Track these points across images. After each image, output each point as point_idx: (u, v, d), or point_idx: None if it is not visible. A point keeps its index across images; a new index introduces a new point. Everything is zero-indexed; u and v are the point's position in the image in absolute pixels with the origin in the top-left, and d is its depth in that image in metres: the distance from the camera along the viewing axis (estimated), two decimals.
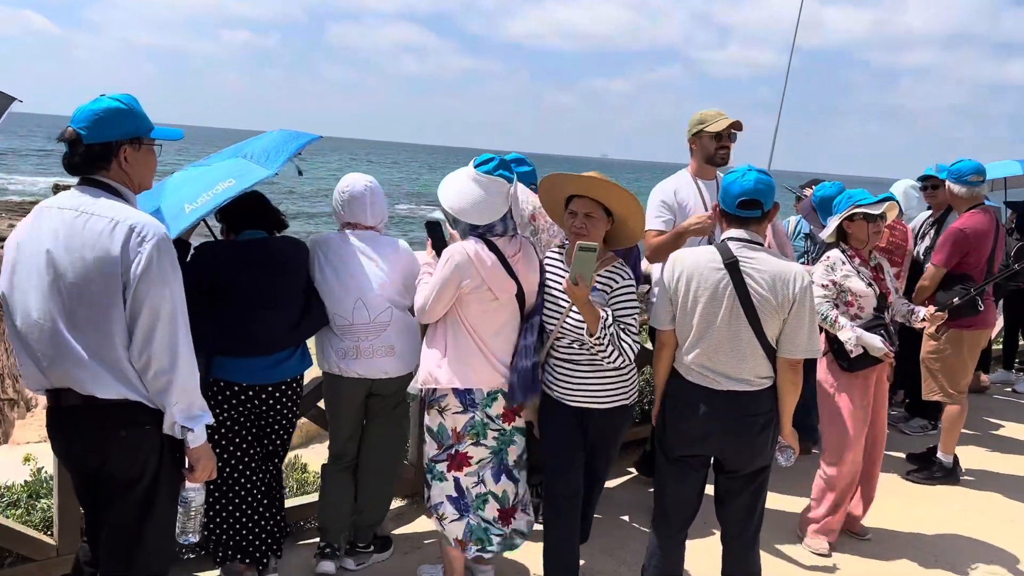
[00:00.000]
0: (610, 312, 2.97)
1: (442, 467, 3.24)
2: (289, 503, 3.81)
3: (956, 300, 4.67)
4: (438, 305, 3.09)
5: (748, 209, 2.95)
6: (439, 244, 3.22)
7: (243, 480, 3.30)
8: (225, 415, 3.23)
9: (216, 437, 3.22)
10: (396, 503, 4.18)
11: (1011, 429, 6.20)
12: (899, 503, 4.69)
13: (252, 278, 3.18)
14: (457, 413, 3.18)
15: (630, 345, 2.99)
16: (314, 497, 3.91)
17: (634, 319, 3.04)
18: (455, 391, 3.15)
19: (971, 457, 5.42)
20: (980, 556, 4.13)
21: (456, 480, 3.23)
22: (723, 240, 2.99)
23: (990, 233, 4.89)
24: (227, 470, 3.26)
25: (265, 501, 3.37)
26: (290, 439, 3.48)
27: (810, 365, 3.28)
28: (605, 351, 2.97)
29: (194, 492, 2.43)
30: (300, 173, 3.36)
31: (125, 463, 2.33)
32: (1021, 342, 7.61)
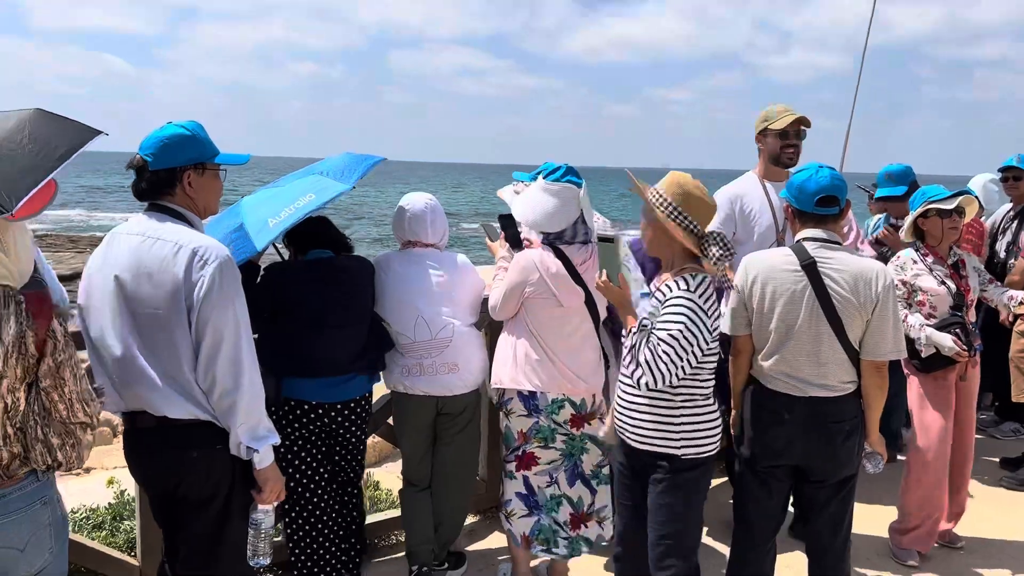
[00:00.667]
0: (650, 322, 2.67)
1: (511, 466, 3.32)
2: None
3: None
4: (506, 307, 3.25)
5: (827, 206, 2.85)
6: (513, 237, 3.33)
7: (316, 500, 3.32)
8: (296, 435, 3.26)
9: (289, 457, 3.26)
10: (469, 519, 4.17)
11: None
12: (993, 511, 4.47)
13: (318, 296, 3.20)
14: (522, 416, 3.24)
15: (659, 367, 2.53)
16: (388, 515, 3.93)
17: (678, 341, 2.55)
18: (519, 395, 3.21)
19: None
20: None
21: (525, 478, 3.28)
22: (798, 241, 2.89)
23: None
24: (299, 490, 3.29)
25: (340, 521, 3.38)
26: (362, 458, 3.49)
27: (893, 368, 3.14)
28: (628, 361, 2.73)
29: (263, 514, 2.44)
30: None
31: (198, 484, 2.36)
32: None
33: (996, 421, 5.78)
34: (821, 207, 2.85)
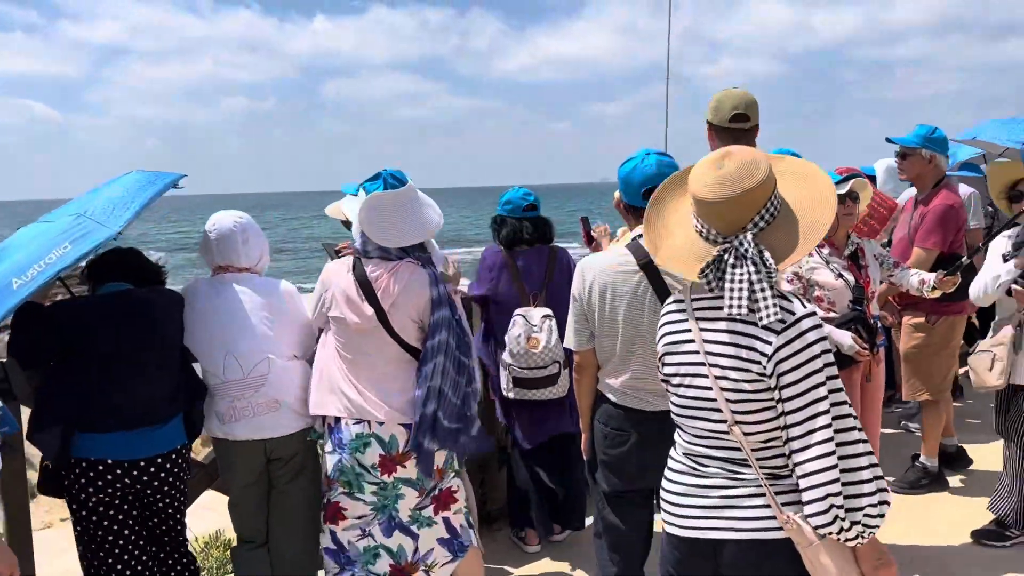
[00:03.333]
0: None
1: (320, 514, 2.94)
2: None
3: (964, 261, 3.97)
4: (316, 322, 3.04)
5: None
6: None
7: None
8: (93, 501, 2.79)
9: (92, 529, 2.80)
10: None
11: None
12: (903, 514, 4.16)
13: (112, 335, 2.77)
14: (328, 453, 2.88)
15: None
16: None
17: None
18: (328, 427, 2.88)
19: (982, 455, 4.84)
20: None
21: (332, 533, 2.89)
22: (634, 238, 2.57)
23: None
24: (104, 570, 2.82)
25: None
26: (182, 519, 3.05)
27: None
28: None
29: None
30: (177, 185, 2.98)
31: None
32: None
33: (911, 414, 5.53)
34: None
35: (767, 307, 1.78)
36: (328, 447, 2.92)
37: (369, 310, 2.81)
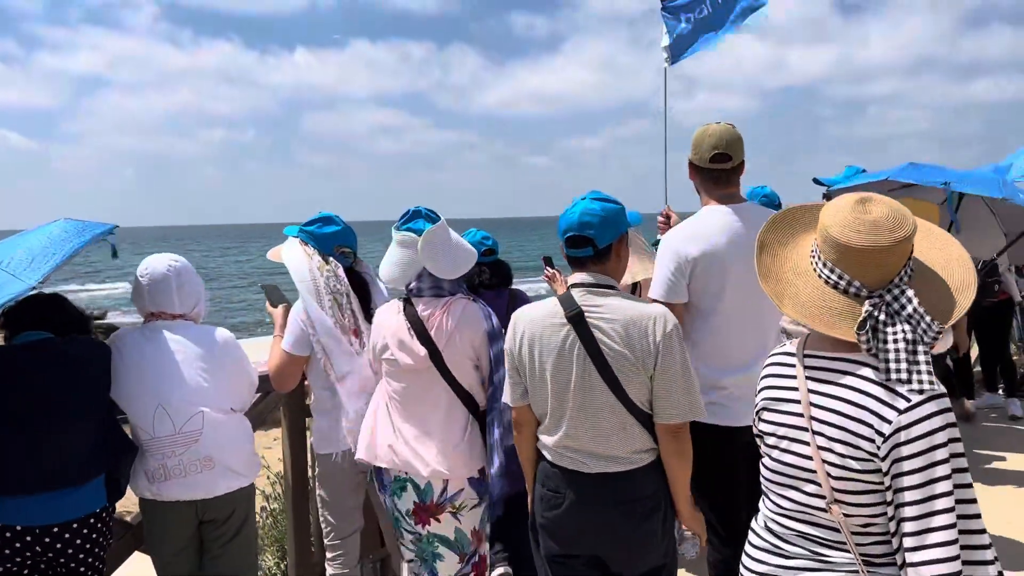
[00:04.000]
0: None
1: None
2: None
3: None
4: (374, 364, 2.96)
5: (575, 247, 2.40)
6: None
7: None
8: (3, 569, 2.55)
9: None
10: None
11: (1011, 462, 5.42)
12: None
13: (24, 389, 2.55)
14: (379, 491, 2.88)
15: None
16: None
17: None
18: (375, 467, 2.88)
19: None
20: None
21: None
22: (568, 288, 2.41)
23: None
24: None
25: None
26: None
27: None
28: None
29: None
30: (115, 255, 2.82)
31: None
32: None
33: None
34: (570, 248, 2.41)
35: (920, 376, 1.53)
36: (376, 486, 2.93)
37: (422, 350, 2.71)
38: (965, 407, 6.27)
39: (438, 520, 2.75)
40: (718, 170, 2.90)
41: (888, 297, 1.60)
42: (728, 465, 2.78)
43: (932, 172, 3.91)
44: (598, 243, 2.37)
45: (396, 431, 2.77)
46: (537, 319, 2.39)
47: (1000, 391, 6.75)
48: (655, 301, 2.66)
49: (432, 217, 2.86)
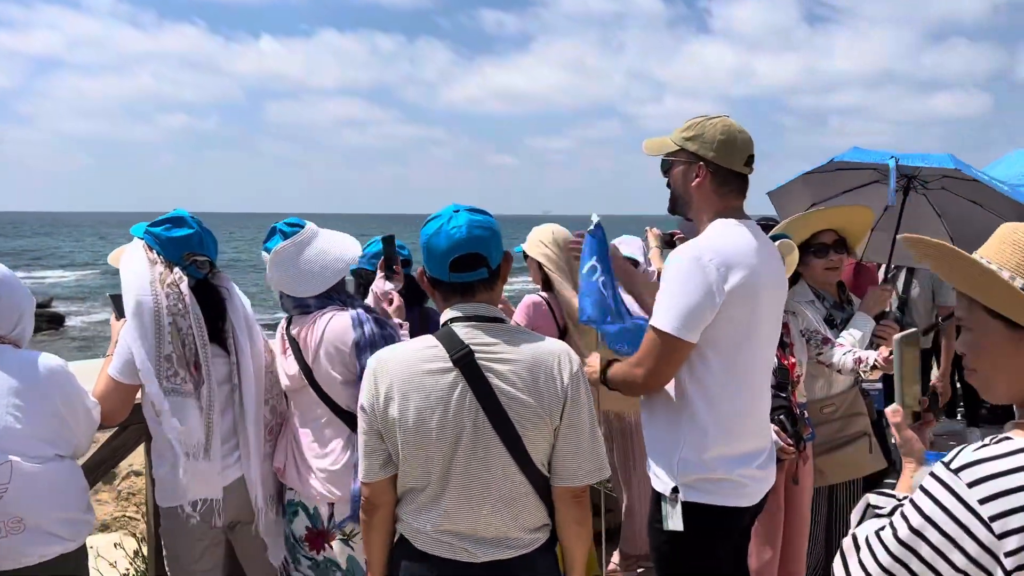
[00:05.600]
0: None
1: None
2: None
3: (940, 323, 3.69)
4: None
5: (466, 270, 1.93)
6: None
7: None
8: None
9: None
10: None
11: None
12: None
13: None
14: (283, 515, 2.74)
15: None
16: None
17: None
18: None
19: None
20: None
21: None
22: (444, 324, 1.96)
23: None
24: None
25: None
26: None
27: None
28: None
29: None
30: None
31: None
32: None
33: None
34: (458, 273, 1.93)
35: None
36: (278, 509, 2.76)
37: (294, 367, 2.60)
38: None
39: (330, 547, 2.56)
40: (745, 177, 2.37)
41: None
42: (727, 551, 2.40)
43: (879, 154, 3.78)
44: (491, 263, 1.95)
45: (294, 451, 2.64)
46: (409, 365, 1.89)
47: (959, 416, 6.55)
48: (663, 332, 2.18)
49: (286, 232, 2.61)
